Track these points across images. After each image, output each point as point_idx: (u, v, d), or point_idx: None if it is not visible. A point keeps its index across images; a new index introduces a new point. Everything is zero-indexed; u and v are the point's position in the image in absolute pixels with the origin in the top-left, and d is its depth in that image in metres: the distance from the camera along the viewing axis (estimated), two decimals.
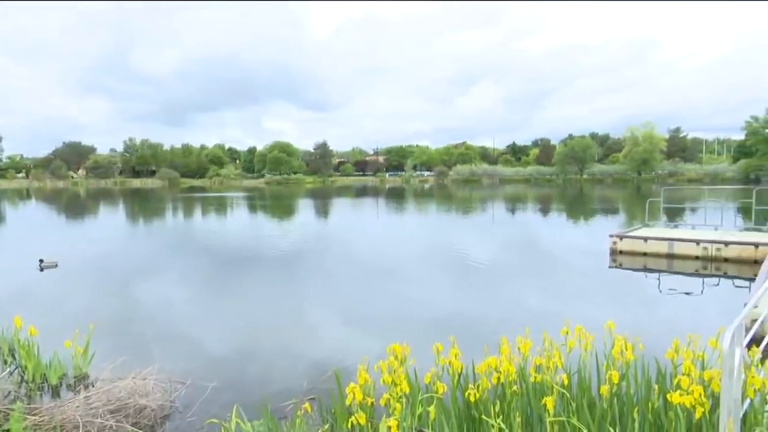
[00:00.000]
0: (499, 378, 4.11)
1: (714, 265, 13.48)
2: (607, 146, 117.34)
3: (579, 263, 14.82)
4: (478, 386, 4.06)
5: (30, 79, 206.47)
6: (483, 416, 3.93)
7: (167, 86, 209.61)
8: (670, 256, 14.30)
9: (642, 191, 56.66)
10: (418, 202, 48.33)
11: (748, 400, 3.57)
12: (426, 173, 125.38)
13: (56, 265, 14.12)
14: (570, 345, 4.36)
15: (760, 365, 3.90)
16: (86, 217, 36.08)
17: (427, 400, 4.03)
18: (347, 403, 4.05)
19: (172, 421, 5.39)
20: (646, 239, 14.90)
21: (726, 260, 13.60)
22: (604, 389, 3.89)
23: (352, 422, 3.89)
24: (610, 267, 14.18)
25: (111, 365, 6.28)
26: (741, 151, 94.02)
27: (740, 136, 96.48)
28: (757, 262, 12.38)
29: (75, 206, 47.27)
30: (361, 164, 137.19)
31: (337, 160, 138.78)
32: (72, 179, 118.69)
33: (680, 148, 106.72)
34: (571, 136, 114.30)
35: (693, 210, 27.58)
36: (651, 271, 13.52)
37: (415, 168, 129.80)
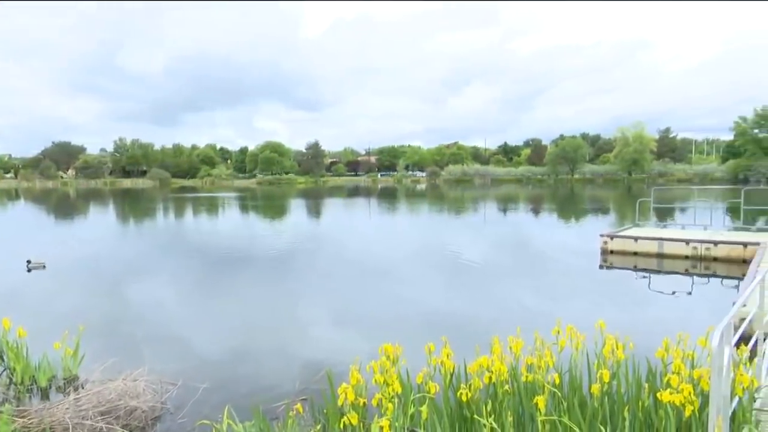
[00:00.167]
0: (490, 377, 4.12)
1: (703, 264, 13.60)
2: (597, 146, 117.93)
3: (570, 263, 14.89)
4: (470, 386, 4.06)
5: (19, 78, 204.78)
6: (475, 416, 3.94)
7: (158, 86, 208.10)
8: (660, 256, 14.40)
9: (632, 191, 57.02)
10: (410, 202, 48.36)
11: (736, 398, 3.60)
12: (418, 173, 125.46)
13: (44, 266, 14.00)
14: (561, 344, 4.38)
15: (748, 363, 3.94)
16: (75, 217, 35.80)
17: (419, 400, 4.03)
18: (339, 403, 4.05)
19: (163, 422, 5.36)
20: (636, 239, 15.00)
21: (715, 259, 13.72)
22: (595, 388, 3.91)
23: (344, 422, 3.88)
24: (600, 266, 14.26)
25: (101, 367, 6.23)
26: (730, 151, 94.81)
27: (729, 137, 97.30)
28: (746, 262, 12.49)
29: (64, 207, 46.87)
30: (353, 164, 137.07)
31: (329, 160, 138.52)
32: (61, 179, 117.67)
33: (670, 148, 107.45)
34: (562, 137, 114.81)
35: (683, 210, 27.80)
36: (641, 270, 13.62)
37: (407, 168, 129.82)
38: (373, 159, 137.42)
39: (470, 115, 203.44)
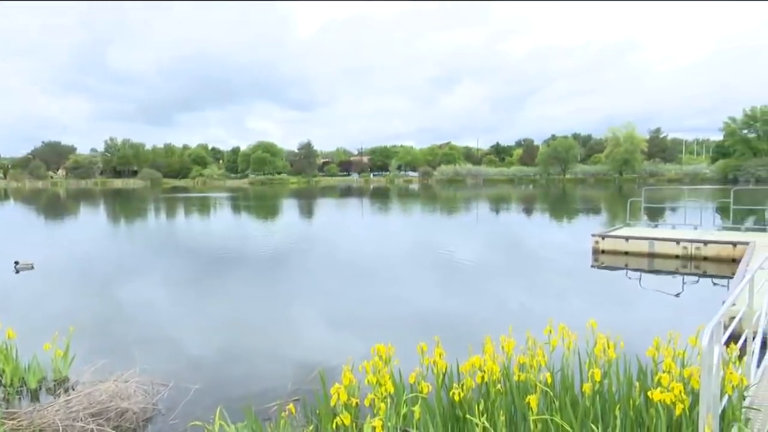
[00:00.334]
0: (483, 377, 4.13)
1: (693, 263, 13.70)
2: (589, 146, 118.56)
3: (562, 262, 14.96)
4: (462, 385, 4.07)
5: (7, 77, 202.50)
6: (467, 415, 3.95)
7: (149, 86, 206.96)
8: (651, 255, 14.50)
9: (623, 191, 57.37)
10: (402, 202, 48.39)
11: (726, 396, 3.63)
12: (410, 173, 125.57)
13: (32, 267, 13.88)
14: (553, 344, 4.40)
15: (738, 362, 3.97)
16: (65, 218, 35.51)
17: (412, 400, 4.03)
18: (332, 403, 4.05)
19: (154, 424, 5.32)
20: (627, 239, 15.09)
21: (705, 259, 13.82)
22: (587, 387, 3.93)
23: (336, 423, 3.88)
24: (592, 266, 14.34)
25: (92, 368, 6.19)
26: (719, 151, 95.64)
27: (718, 137, 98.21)
28: (735, 261, 12.60)
29: (54, 207, 46.49)
30: (346, 164, 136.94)
31: (322, 161, 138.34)
32: (51, 179, 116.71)
33: (660, 148, 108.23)
34: (554, 137, 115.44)
35: (673, 210, 28.00)
36: (632, 270, 13.70)
37: (399, 168, 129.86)
38: (365, 159, 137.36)
39: (462, 115, 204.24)
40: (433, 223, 28.55)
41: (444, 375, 4.35)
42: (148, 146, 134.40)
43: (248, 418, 4.53)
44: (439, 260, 15.56)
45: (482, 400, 3.99)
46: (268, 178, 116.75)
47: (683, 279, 12.66)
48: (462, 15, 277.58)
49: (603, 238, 15.48)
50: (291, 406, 4.26)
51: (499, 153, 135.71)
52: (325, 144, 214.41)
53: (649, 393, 3.64)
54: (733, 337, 4.32)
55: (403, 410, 3.98)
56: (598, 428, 3.69)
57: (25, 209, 44.50)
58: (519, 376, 4.19)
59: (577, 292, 11.30)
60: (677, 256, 14.15)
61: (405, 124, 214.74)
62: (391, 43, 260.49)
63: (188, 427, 4.93)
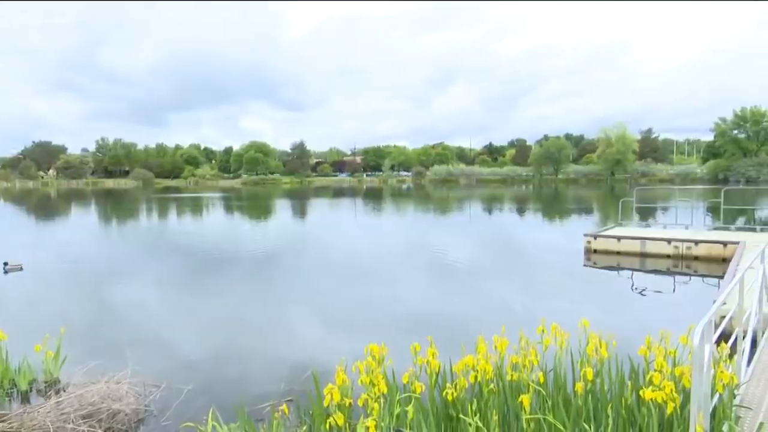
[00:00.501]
0: (476, 377, 4.13)
1: (685, 263, 13.80)
2: (581, 147, 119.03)
3: (554, 262, 15.03)
4: (455, 385, 4.08)
5: None
6: (460, 415, 3.95)
7: (141, 85, 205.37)
8: (643, 255, 14.59)
9: (615, 191, 57.67)
10: (396, 202, 48.41)
11: (717, 395, 3.66)
12: (404, 174, 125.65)
13: (21, 268, 13.77)
14: (546, 343, 4.41)
15: (728, 361, 4.00)
16: (56, 218, 35.26)
17: (405, 400, 4.03)
18: (325, 404, 4.04)
19: (146, 425, 5.30)
20: (619, 238, 15.17)
21: (696, 258, 13.92)
22: (579, 386, 3.94)
23: (330, 423, 3.87)
24: (584, 266, 14.40)
25: (83, 369, 6.15)
26: (710, 152, 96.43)
27: (709, 137, 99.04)
28: (726, 260, 12.69)
29: (45, 207, 46.15)
30: (339, 164, 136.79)
31: (315, 161, 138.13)
32: (42, 180, 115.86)
33: (652, 148, 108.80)
34: (546, 137, 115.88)
35: (664, 209, 28.18)
36: (624, 269, 13.78)
37: (392, 168, 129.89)
38: (358, 159, 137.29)
39: (455, 115, 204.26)
40: (426, 224, 28.58)
41: (437, 375, 4.35)
42: (140, 146, 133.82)
43: (241, 419, 4.52)
44: (432, 260, 15.58)
45: (475, 400, 3.99)
46: (261, 179, 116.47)
47: (674, 278, 12.75)
48: (455, 15, 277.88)
49: (595, 238, 15.56)
50: (284, 406, 4.25)
51: (492, 153, 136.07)
52: (318, 144, 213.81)
53: (640, 392, 3.66)
54: (724, 336, 4.36)
55: (397, 410, 3.98)
56: (590, 427, 3.70)
57: (14, 210, 44.14)
58: (512, 375, 4.20)
59: (569, 291, 11.34)
60: (669, 256, 14.24)
61: (398, 124, 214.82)
62: (385, 43, 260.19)
63: (181, 428, 4.90)
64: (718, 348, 3.95)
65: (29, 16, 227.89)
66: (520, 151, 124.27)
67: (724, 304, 4.30)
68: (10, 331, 6.49)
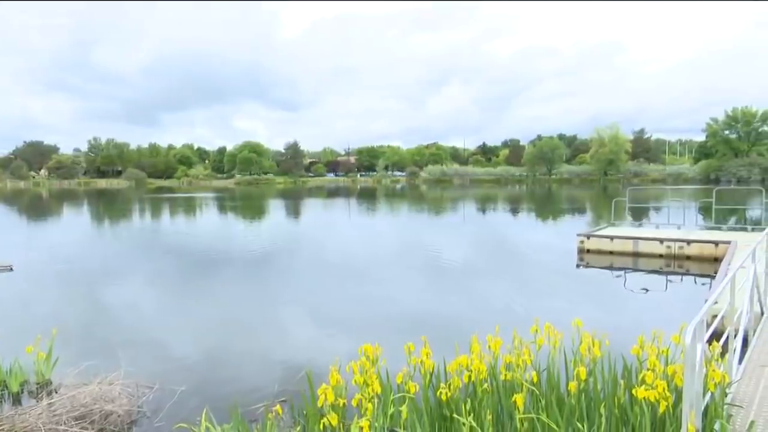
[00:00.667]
0: (470, 376, 4.14)
1: (677, 262, 13.88)
2: (574, 147, 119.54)
3: (548, 262, 15.08)
4: (449, 385, 4.08)
5: None
6: (454, 415, 3.96)
7: (134, 85, 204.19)
8: (636, 255, 14.66)
9: (608, 191, 57.93)
10: (390, 202, 48.41)
11: (709, 394, 3.68)
12: (398, 174, 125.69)
13: (11, 269, 13.66)
14: (539, 343, 4.43)
15: (720, 359, 4.03)
16: (47, 218, 35.01)
17: (399, 400, 4.03)
18: (319, 404, 4.03)
19: (139, 426, 5.27)
20: (612, 238, 15.24)
21: (688, 258, 14.01)
22: (573, 386, 3.96)
23: (324, 424, 3.87)
24: (577, 266, 14.45)
25: (75, 371, 6.11)
26: (701, 152, 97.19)
27: (701, 138, 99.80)
28: (717, 260, 12.78)
29: (36, 207, 45.83)
30: (333, 164, 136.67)
31: (309, 161, 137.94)
32: (33, 180, 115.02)
33: (644, 149, 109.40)
34: (540, 137, 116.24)
35: (657, 209, 28.32)
36: (617, 269, 13.84)
37: (386, 168, 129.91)
38: (352, 159, 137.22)
39: (449, 115, 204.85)
40: (420, 224, 28.60)
41: (431, 375, 4.36)
42: (133, 146, 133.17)
43: (234, 420, 4.50)
44: (426, 260, 15.59)
45: (469, 400, 4.00)
46: (254, 179, 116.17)
47: (667, 278, 12.82)
48: (449, 15, 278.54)
49: (588, 238, 15.62)
50: (278, 407, 4.24)
51: (486, 153, 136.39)
52: (312, 144, 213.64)
53: (633, 391, 3.68)
54: (716, 335, 4.39)
55: (391, 410, 3.98)
56: (583, 426, 3.72)
57: (5, 210, 43.78)
58: (505, 375, 4.21)
59: (562, 291, 11.38)
60: (661, 255, 14.32)
61: (392, 123, 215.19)
62: (378, 43, 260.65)
63: (174, 429, 4.88)
64: (710, 347, 3.98)
65: (26, 17, 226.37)
66: (514, 151, 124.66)
67: (716, 303, 4.33)
68: (1, 333, 6.45)
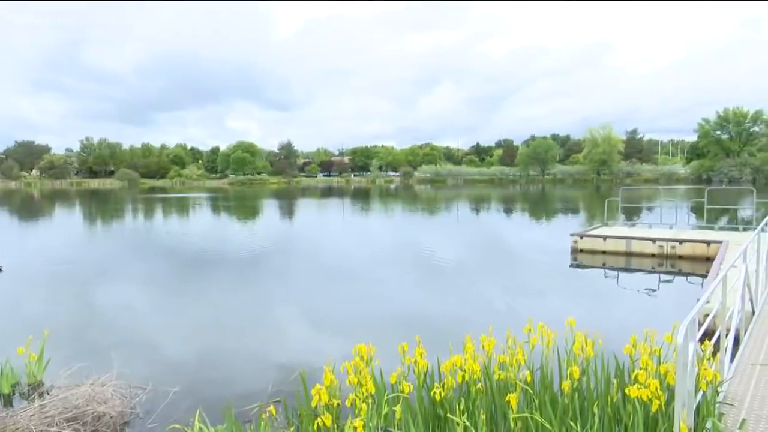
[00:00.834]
0: (463, 376, 4.15)
1: (669, 262, 13.96)
2: (567, 147, 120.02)
3: (541, 262, 15.12)
4: (443, 385, 4.09)
5: None
6: (448, 414, 3.96)
7: (126, 84, 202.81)
8: (628, 254, 14.73)
9: (601, 191, 58.19)
10: (384, 202, 48.41)
11: (701, 392, 3.71)
12: (391, 174, 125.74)
13: (0, 269, 13.55)
14: (533, 342, 4.44)
15: (711, 358, 4.06)
16: (39, 218, 34.76)
17: (393, 400, 4.04)
18: (313, 404, 4.03)
19: (132, 427, 5.24)
20: (605, 238, 15.31)
21: (680, 257, 14.09)
22: (566, 385, 3.97)
23: (318, 424, 3.86)
24: (570, 265, 14.51)
25: (67, 372, 6.07)
26: (693, 152, 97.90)
27: (693, 138, 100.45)
28: (709, 259, 12.86)
29: (27, 208, 45.51)
30: (327, 165, 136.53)
31: (302, 161, 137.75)
32: (25, 180, 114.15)
33: (637, 149, 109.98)
34: (533, 137, 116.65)
35: (649, 209, 28.50)
36: (610, 268, 13.91)
37: (380, 168, 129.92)
38: (346, 159, 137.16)
39: (442, 115, 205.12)
40: (414, 224, 28.62)
41: (425, 374, 4.36)
42: (126, 146, 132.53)
43: (228, 420, 4.48)
44: (419, 260, 15.60)
45: (463, 399, 4.01)
46: (248, 179, 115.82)
47: (659, 277, 12.89)
48: (441, 16, 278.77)
49: (581, 238, 15.68)
50: (272, 407, 4.23)
51: (479, 153, 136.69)
52: (305, 144, 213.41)
53: (626, 390, 3.69)
54: (707, 334, 4.42)
55: (385, 410, 3.98)
56: (577, 425, 3.73)
57: None
58: (499, 374, 4.22)
59: (556, 291, 11.42)
60: (653, 255, 14.40)
61: (385, 124, 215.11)
62: (371, 44, 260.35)
63: (167, 430, 4.86)
64: (702, 346, 4.00)
65: (17, 16, 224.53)
66: (507, 151, 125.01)
67: (708, 302, 4.36)
68: None
